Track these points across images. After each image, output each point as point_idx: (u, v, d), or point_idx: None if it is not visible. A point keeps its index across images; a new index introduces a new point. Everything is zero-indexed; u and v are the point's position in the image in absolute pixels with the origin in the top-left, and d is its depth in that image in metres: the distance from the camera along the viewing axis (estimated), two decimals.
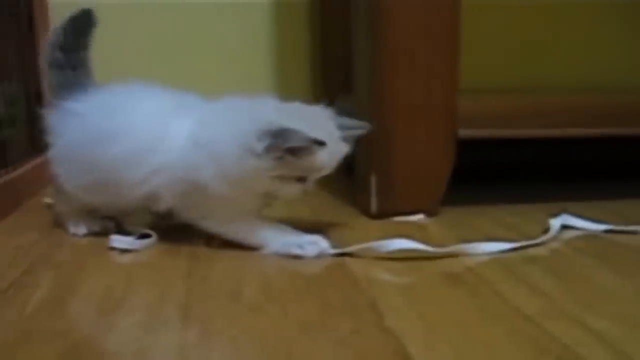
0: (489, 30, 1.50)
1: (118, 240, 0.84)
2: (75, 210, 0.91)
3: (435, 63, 0.97)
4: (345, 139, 0.83)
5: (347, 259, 0.79)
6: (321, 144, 0.75)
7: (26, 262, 0.79)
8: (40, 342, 0.56)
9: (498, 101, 1.06)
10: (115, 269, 0.78)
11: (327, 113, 0.83)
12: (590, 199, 1.13)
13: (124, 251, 0.83)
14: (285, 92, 0.99)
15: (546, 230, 0.89)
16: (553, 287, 0.69)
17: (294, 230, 0.83)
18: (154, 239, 0.86)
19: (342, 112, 0.85)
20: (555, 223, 0.90)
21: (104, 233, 0.89)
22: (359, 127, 0.85)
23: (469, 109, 1.00)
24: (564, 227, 0.92)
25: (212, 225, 0.83)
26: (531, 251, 0.82)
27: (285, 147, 0.74)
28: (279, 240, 0.81)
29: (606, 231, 0.91)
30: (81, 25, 0.91)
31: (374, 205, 1.00)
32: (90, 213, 0.91)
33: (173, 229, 0.87)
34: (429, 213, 1.01)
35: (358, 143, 0.87)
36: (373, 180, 0.99)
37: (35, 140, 1.20)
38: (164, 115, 0.83)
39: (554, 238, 0.87)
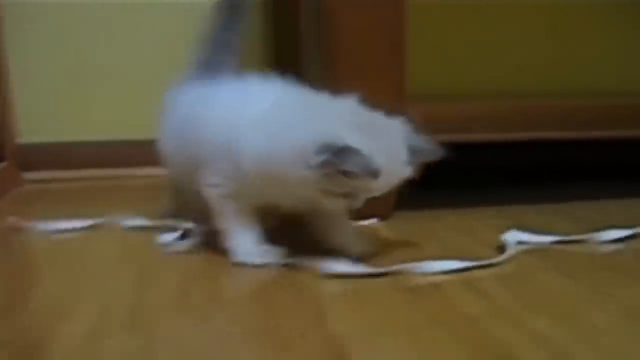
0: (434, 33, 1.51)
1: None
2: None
3: (382, 65, 0.98)
4: (412, 163, 0.77)
5: (295, 265, 0.80)
6: (375, 175, 0.70)
7: None
8: None
9: (448, 106, 1.08)
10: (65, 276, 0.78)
11: (403, 130, 0.77)
12: (544, 202, 1.15)
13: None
14: None
15: (500, 247, 0.87)
16: (501, 291, 0.71)
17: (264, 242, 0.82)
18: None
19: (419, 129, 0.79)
20: (510, 239, 0.88)
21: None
22: (431, 152, 0.78)
23: (419, 114, 1.01)
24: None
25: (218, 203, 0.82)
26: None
27: (340, 168, 0.70)
28: (247, 249, 0.81)
29: (555, 242, 0.90)
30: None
31: None
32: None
33: None
34: (382, 217, 1.02)
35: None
36: None
37: None
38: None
39: (511, 257, 0.83)
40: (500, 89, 1.53)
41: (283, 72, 0.82)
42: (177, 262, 0.83)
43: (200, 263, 0.82)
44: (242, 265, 0.80)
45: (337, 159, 0.69)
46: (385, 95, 0.97)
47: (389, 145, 0.75)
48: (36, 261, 0.88)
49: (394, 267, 0.77)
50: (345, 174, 0.70)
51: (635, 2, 1.55)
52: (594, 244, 0.90)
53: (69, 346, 0.57)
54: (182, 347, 0.57)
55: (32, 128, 1.48)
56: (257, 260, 0.80)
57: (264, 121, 0.77)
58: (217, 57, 0.97)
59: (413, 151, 0.77)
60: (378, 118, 0.77)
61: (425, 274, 0.76)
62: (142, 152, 1.36)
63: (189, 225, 0.92)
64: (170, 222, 0.95)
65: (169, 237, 0.90)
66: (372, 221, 1.01)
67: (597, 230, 0.92)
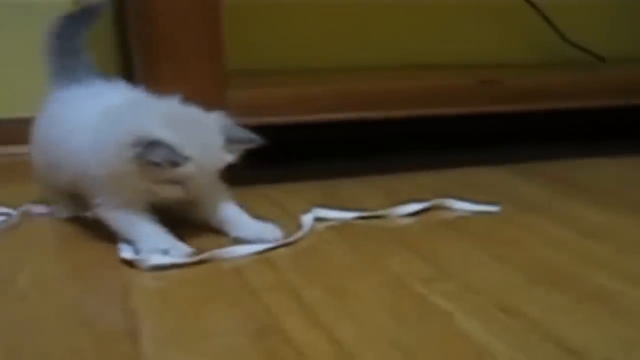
0: None
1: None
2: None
3: (200, 49, 1.06)
4: (231, 150, 0.89)
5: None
6: (176, 165, 0.81)
7: None
8: None
9: (266, 90, 1.18)
10: None
11: (219, 123, 0.88)
12: (361, 175, 1.27)
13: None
14: None
15: (300, 226, 0.95)
16: (290, 265, 0.82)
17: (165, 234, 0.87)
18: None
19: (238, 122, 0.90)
20: (307, 218, 0.97)
21: None
22: (249, 140, 0.90)
23: (237, 98, 1.10)
24: (317, 219, 0.99)
25: (102, 212, 0.89)
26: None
27: (149, 159, 0.81)
28: (148, 243, 0.85)
29: (356, 218, 1.00)
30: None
31: None
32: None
33: None
34: None
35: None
36: None
37: None
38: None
39: (307, 234, 0.93)
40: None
41: (127, 75, 0.91)
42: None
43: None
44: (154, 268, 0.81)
45: (145, 152, 0.81)
46: (202, 79, 1.06)
47: (204, 137, 0.87)
48: None
49: (202, 256, 0.84)
50: (155, 164, 0.81)
51: None
52: (394, 218, 1.01)
53: None
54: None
55: None
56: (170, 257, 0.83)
57: (96, 125, 0.88)
58: (69, 63, 1.01)
59: (231, 141, 0.89)
60: (195, 114, 0.89)
61: (232, 259, 0.85)
62: None
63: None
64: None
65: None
66: None
67: (404, 203, 1.03)
